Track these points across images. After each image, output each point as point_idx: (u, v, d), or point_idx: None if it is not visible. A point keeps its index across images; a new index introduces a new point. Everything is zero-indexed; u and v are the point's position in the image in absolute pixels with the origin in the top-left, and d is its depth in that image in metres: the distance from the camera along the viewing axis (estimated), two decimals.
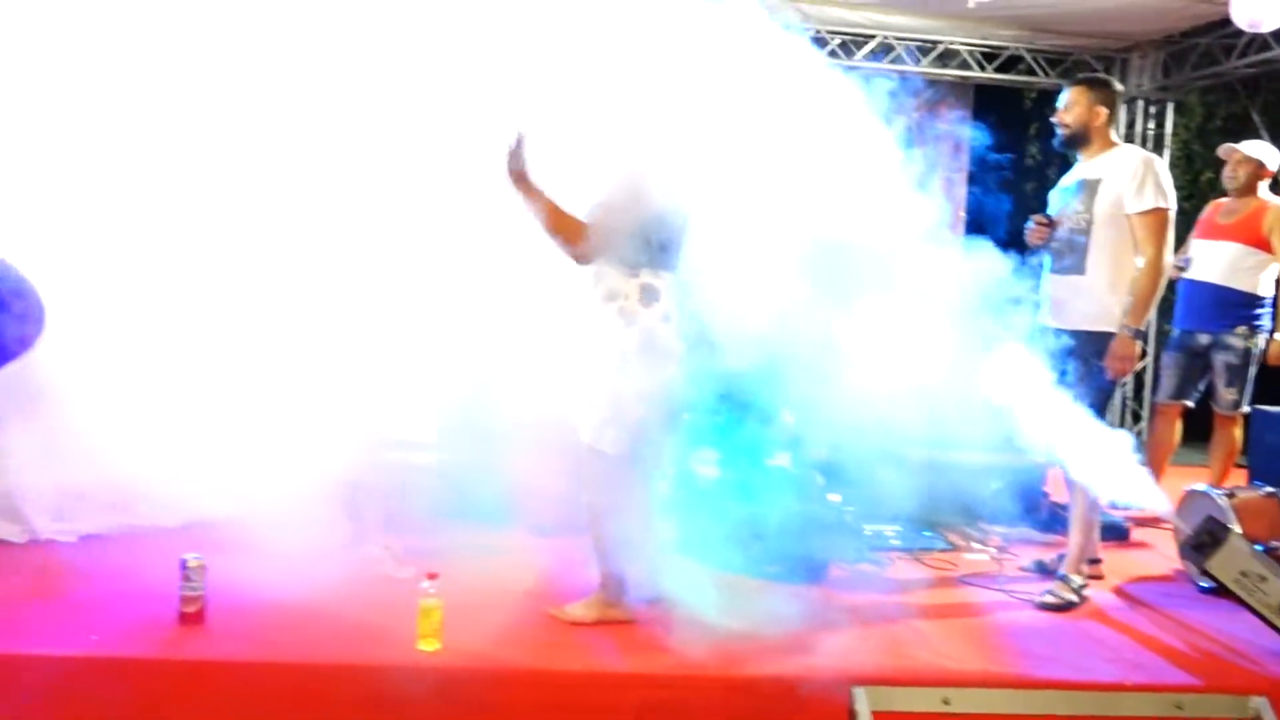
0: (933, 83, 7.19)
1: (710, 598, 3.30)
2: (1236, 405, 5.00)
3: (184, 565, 3.01)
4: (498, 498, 4.23)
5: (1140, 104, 7.37)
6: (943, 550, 4.30)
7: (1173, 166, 7.39)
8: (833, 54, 6.63)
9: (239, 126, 3.75)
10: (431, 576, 2.98)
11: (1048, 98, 7.50)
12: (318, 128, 3.75)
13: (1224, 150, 5.16)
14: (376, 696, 2.83)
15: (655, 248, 3.07)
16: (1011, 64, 7.26)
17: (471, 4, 3.54)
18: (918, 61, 7.04)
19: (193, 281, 3.81)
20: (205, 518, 3.50)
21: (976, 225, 6.51)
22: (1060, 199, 3.96)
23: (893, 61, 6.89)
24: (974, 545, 4.39)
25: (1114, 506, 3.89)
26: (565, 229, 2.99)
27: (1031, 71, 7.27)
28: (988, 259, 3.91)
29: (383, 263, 3.83)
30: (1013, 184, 7.40)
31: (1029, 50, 7.14)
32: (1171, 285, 4.80)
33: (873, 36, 6.89)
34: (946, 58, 7.11)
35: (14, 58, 3.65)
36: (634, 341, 3.04)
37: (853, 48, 6.88)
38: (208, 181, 3.78)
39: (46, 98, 3.71)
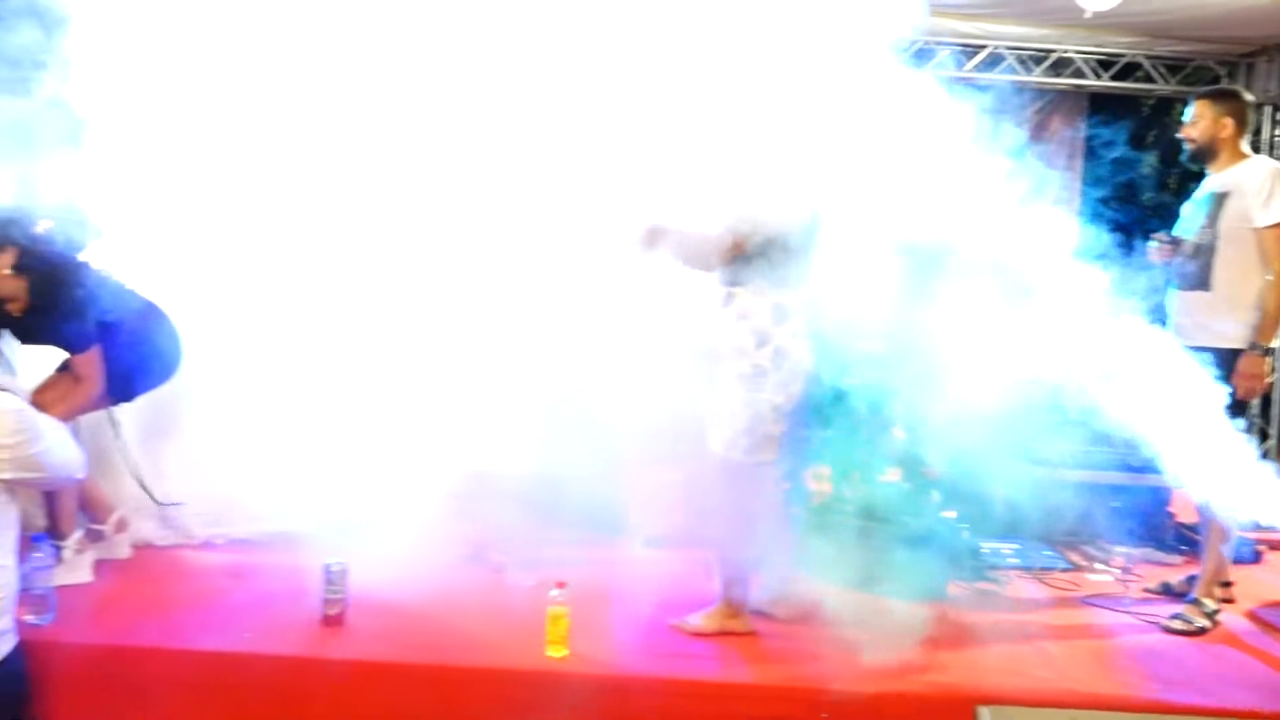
0: (1045, 91, 7.07)
1: (831, 612, 3.33)
2: None
3: (328, 570, 3.17)
4: (610, 509, 4.34)
5: (1268, 110, 7.11)
6: (1064, 570, 4.23)
7: None
8: (943, 64, 6.57)
9: (361, 149, 3.92)
10: (560, 585, 3.08)
11: (1166, 105, 7.31)
12: (425, 152, 3.91)
13: None
14: (507, 700, 2.94)
15: (785, 265, 3.13)
16: (1128, 71, 7.07)
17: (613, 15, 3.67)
18: (1030, 70, 6.93)
19: (322, 300, 4.01)
20: (341, 525, 3.66)
21: (1091, 236, 6.36)
22: (1191, 212, 3.88)
23: (1005, 71, 6.79)
24: (1097, 565, 4.30)
25: (1244, 528, 3.80)
26: (705, 253, 3.09)
27: (1149, 79, 7.07)
28: (1104, 271, 3.86)
29: (494, 274, 3.97)
30: (1130, 193, 7.21)
31: (1147, 57, 6.94)
32: None
33: (984, 46, 6.81)
34: (1060, 66, 6.97)
35: (141, 78, 3.86)
36: (767, 359, 3.11)
37: (964, 58, 6.80)
38: (336, 203, 3.97)
39: (172, 117, 3.90)
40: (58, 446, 2.70)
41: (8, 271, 3.32)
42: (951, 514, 4.22)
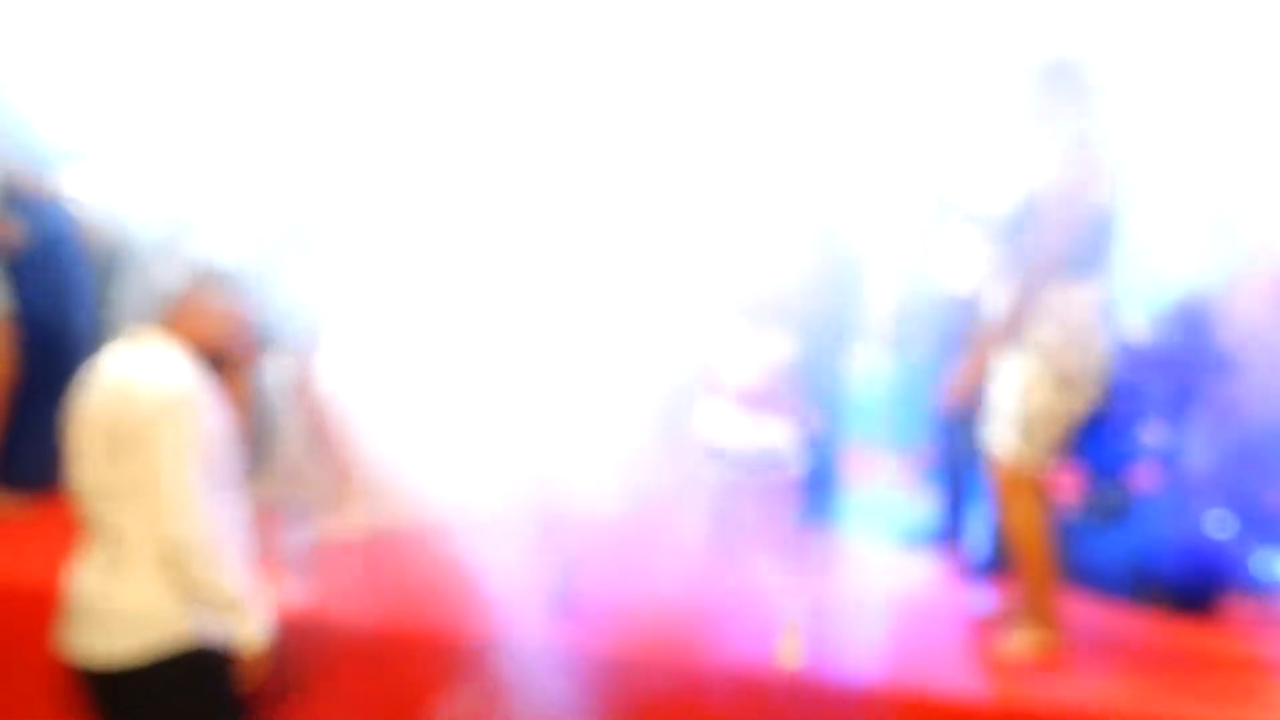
0: None
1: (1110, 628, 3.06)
2: None
3: (563, 559, 3.17)
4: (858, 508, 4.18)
5: None
6: None
7: None
8: None
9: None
10: (796, 590, 2.95)
11: None
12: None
13: None
14: (738, 704, 2.85)
15: (1093, 254, 2.85)
16: None
17: None
18: None
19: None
20: (575, 513, 3.68)
21: None
22: None
23: None
24: None
25: None
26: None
27: None
28: None
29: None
30: None
31: None
32: None
33: None
34: None
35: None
36: (1074, 360, 2.83)
37: None
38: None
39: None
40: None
41: None
42: (1221, 519, 3.81)
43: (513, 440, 3.81)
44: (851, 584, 3.55)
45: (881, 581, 3.58)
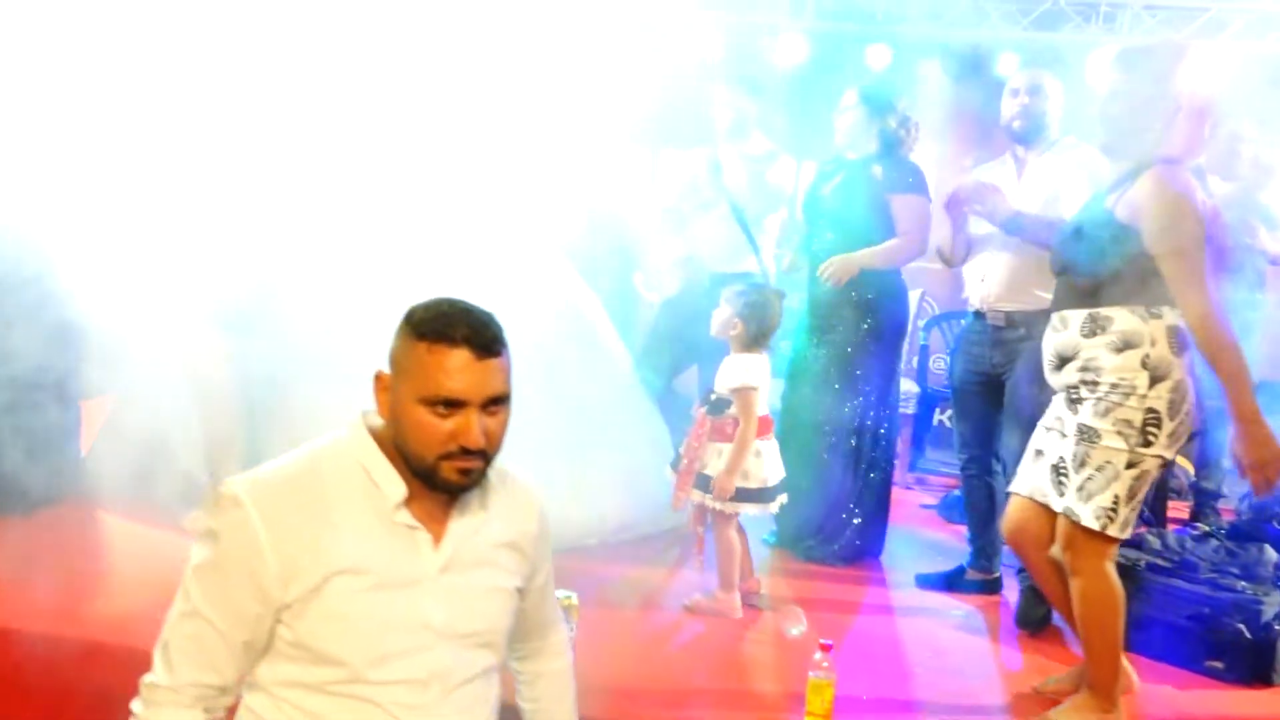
0: None
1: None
2: None
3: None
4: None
5: None
6: None
7: None
8: None
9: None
10: (825, 648, 2.55)
11: None
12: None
13: None
14: None
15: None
16: None
17: None
18: None
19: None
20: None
21: None
22: None
23: None
24: None
25: None
26: None
27: None
28: None
29: None
30: None
31: None
32: None
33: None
34: None
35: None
36: (1164, 402, 2.42)
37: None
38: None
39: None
40: None
41: None
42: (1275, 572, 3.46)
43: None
44: (879, 632, 3.17)
45: (913, 630, 3.21)
